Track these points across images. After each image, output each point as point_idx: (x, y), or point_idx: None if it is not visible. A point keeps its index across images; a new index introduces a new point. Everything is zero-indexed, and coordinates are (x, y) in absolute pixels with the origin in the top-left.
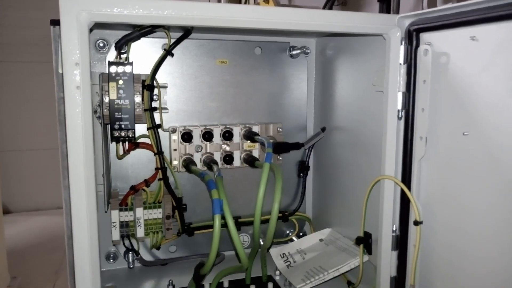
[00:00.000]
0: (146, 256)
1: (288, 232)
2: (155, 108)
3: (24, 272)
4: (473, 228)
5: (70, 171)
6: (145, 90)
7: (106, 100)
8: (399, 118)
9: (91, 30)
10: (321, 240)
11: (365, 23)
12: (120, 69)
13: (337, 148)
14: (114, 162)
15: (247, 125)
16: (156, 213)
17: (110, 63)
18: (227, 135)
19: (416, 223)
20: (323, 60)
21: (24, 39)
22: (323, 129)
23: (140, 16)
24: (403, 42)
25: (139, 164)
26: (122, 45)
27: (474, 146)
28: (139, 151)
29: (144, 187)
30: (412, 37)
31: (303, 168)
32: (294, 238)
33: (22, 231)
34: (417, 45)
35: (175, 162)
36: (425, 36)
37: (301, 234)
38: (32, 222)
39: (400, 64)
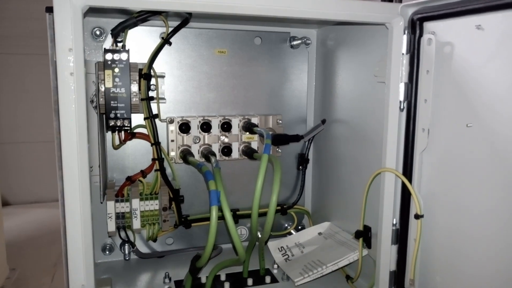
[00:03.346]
0: (143, 248)
1: (286, 225)
2: (152, 98)
3: (23, 264)
4: (474, 222)
5: (63, 160)
6: (142, 79)
7: (102, 88)
8: (401, 110)
9: (85, 15)
10: (319, 233)
11: (368, 11)
12: (116, 56)
13: (337, 140)
14: (111, 152)
15: (246, 117)
16: (153, 205)
17: (106, 51)
18: (226, 127)
19: (417, 216)
20: (324, 50)
21: (23, 31)
22: (323, 121)
23: (136, 1)
24: (406, 32)
25: (136, 154)
26: (118, 32)
27: (477, 138)
28: (136, 142)
29: (141, 178)
30: (415, 26)
31: (302, 160)
32: (292, 231)
33: (21, 223)
34: (421, 35)
35: (172, 153)
36: (428, 25)
37: (299, 227)
38: (31, 214)
39: (403, 54)
